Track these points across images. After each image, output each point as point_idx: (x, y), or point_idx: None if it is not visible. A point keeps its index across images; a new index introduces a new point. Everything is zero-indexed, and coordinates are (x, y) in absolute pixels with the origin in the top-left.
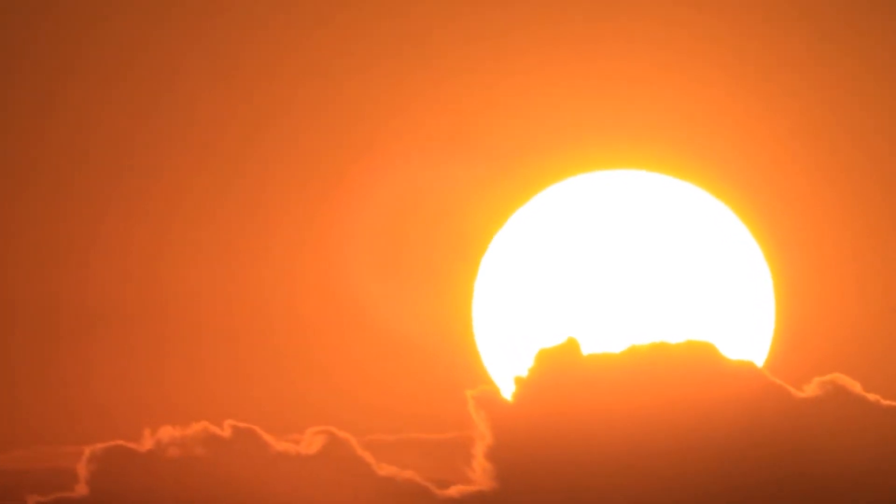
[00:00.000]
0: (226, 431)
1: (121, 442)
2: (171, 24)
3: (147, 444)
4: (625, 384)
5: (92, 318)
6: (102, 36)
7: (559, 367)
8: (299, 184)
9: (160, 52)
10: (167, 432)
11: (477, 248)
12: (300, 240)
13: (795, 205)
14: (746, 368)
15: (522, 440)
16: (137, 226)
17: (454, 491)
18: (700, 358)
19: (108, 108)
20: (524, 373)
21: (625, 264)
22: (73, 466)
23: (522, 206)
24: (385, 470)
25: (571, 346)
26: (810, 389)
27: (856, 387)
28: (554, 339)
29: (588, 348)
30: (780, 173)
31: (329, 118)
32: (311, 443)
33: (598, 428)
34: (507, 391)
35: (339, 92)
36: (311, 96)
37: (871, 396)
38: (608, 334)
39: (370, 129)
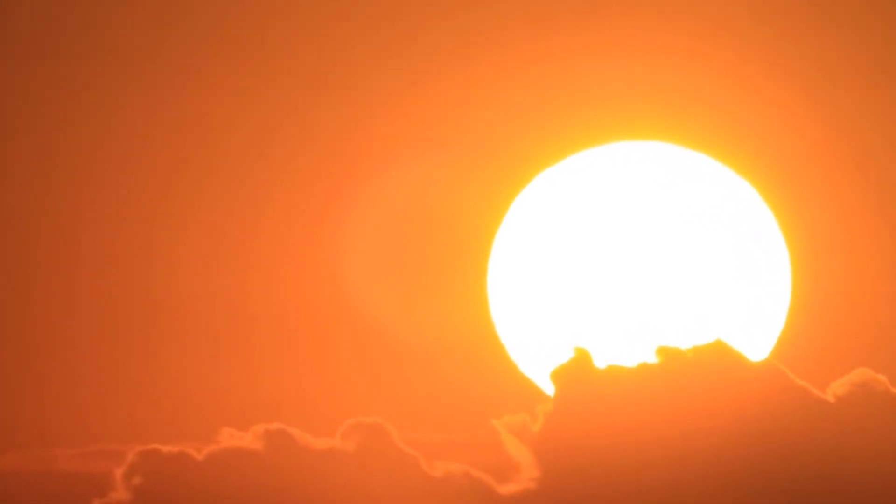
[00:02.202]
0: (257, 435)
1: (155, 446)
2: (167, 25)
3: (176, 448)
4: (643, 396)
5: (112, 322)
6: (92, 36)
7: (575, 385)
8: (304, 186)
9: (156, 52)
10: (193, 438)
11: (481, 239)
12: (298, 241)
13: (818, 186)
14: (769, 369)
15: (563, 468)
16: (147, 230)
17: (511, 488)
18: (719, 361)
19: (99, 105)
20: (548, 402)
21: (633, 252)
22: (109, 470)
23: (522, 192)
24: (433, 465)
25: (582, 358)
26: (837, 387)
27: (882, 382)
28: (564, 354)
29: (602, 354)
30: (802, 148)
31: (324, 119)
32: (347, 438)
33: (626, 445)
34: (546, 386)
35: (333, 93)
36: (306, 97)
37: None
38: (625, 330)
39: (364, 130)
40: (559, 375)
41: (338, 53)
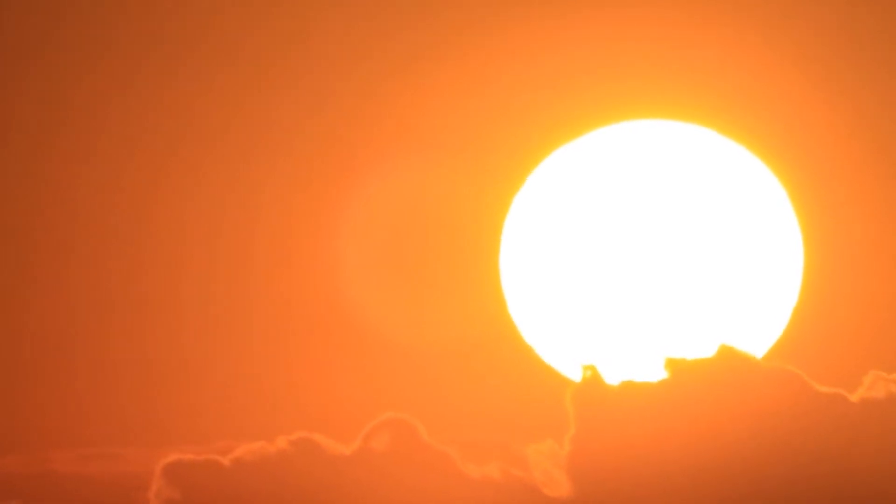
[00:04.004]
0: (279, 445)
1: (186, 455)
2: (161, 23)
3: (206, 457)
4: (663, 410)
5: (109, 324)
6: (86, 34)
7: (593, 406)
8: (305, 187)
9: (155, 49)
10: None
11: (488, 233)
12: (308, 246)
13: (838, 173)
14: (782, 373)
15: (600, 488)
16: (145, 229)
17: (557, 492)
18: (731, 367)
19: (95, 102)
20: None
21: (639, 246)
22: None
23: (524, 186)
24: (466, 466)
25: (593, 376)
26: (859, 393)
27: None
28: (575, 374)
29: (610, 364)
30: (824, 137)
31: (323, 120)
32: (374, 439)
33: (657, 460)
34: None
35: (331, 93)
36: (304, 95)
37: None
38: (632, 338)
39: (362, 130)
40: (575, 398)
41: (335, 52)
